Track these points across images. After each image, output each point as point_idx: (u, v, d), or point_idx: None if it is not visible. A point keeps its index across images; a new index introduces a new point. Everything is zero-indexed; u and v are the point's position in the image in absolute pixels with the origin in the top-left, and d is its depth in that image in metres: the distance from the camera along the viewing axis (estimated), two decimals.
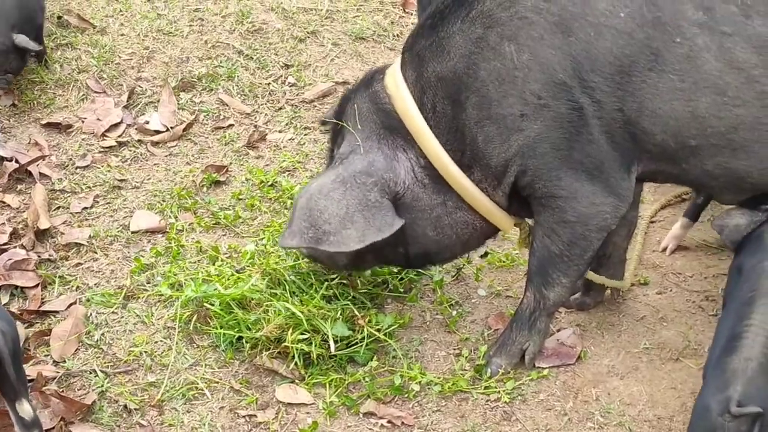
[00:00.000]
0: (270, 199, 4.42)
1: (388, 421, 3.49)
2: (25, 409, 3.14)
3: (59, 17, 5.29)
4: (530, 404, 3.58)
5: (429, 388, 3.61)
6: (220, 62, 5.21)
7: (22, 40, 4.62)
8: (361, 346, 3.65)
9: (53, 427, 3.37)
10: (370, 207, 3.36)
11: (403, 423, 3.46)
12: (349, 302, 3.69)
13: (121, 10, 5.52)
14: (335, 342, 3.59)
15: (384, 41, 5.53)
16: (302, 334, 3.58)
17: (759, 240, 3.32)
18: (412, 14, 5.69)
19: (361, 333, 3.66)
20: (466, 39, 3.27)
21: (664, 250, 4.16)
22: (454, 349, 3.79)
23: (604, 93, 3.15)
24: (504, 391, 3.58)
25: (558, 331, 3.82)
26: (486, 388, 3.61)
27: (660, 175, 3.44)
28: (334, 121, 3.64)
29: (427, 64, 3.37)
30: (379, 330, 3.67)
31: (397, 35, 5.55)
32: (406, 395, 3.59)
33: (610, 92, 3.15)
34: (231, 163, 4.62)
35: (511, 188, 3.38)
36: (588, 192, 3.30)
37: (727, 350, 3.00)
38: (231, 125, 4.84)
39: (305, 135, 4.81)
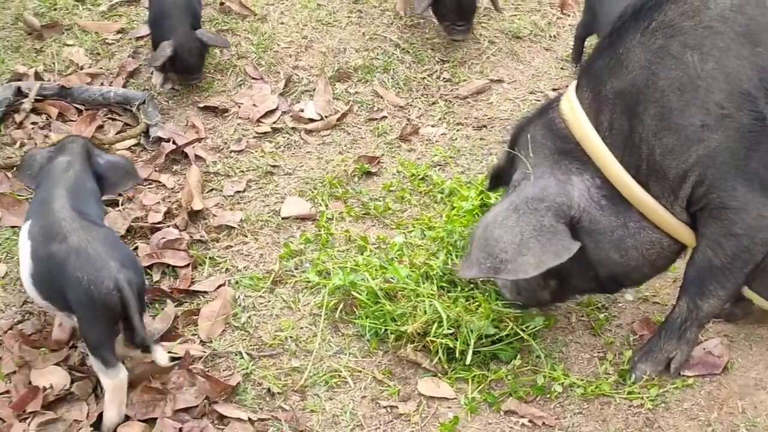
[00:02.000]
0: (420, 192, 4.41)
1: (529, 421, 3.46)
2: (158, 356, 3.27)
3: (221, 3, 5.38)
4: (673, 412, 3.51)
5: (571, 390, 3.58)
6: (377, 54, 5.23)
7: (208, 37, 4.85)
8: (506, 344, 3.64)
9: (197, 405, 3.41)
10: (545, 232, 3.31)
11: (544, 423, 3.43)
12: (497, 301, 3.65)
13: None
14: (479, 339, 3.58)
15: (540, 41, 5.51)
16: (447, 329, 3.57)
17: None
18: (569, 16, 5.69)
19: (505, 331, 3.63)
20: (646, 50, 3.23)
21: None
22: (599, 353, 3.74)
23: None
24: (647, 397, 3.53)
25: (705, 340, 3.73)
26: (629, 393, 3.56)
27: None
28: (508, 150, 3.62)
29: (605, 82, 3.33)
30: (524, 329, 3.63)
31: (554, 36, 5.54)
32: (548, 396, 3.56)
33: None
34: (383, 155, 4.63)
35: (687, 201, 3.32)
36: (758, 203, 3.23)
37: None
38: (384, 117, 4.85)
39: (458, 130, 4.79)
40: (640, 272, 3.51)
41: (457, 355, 3.60)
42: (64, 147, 3.80)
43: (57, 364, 3.57)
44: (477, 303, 3.67)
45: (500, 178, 3.78)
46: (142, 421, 3.39)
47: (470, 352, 3.58)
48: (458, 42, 5.20)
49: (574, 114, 3.38)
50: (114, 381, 3.32)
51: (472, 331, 3.58)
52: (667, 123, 3.22)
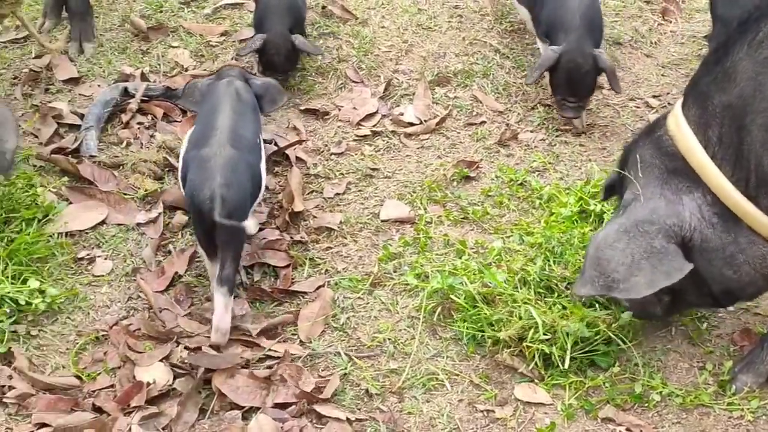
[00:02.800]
0: (519, 197, 4.40)
1: (627, 429, 3.43)
2: (249, 224, 3.65)
3: (323, 7, 5.42)
4: None
5: (670, 399, 3.55)
6: (477, 59, 5.23)
7: (300, 42, 4.85)
8: (603, 352, 3.63)
9: (296, 403, 3.45)
10: (656, 254, 3.29)
11: None
12: (594, 308, 3.66)
13: (383, 3, 5.62)
14: (575, 344, 3.58)
15: (641, 48, 5.47)
16: (544, 335, 3.56)
17: None
18: (671, 22, 5.63)
19: (602, 336, 3.62)
20: (754, 61, 3.20)
21: None
22: (698, 362, 3.70)
23: None
24: (748, 409, 3.48)
25: None
26: (729, 404, 3.52)
27: None
28: (618, 171, 3.62)
29: (712, 97, 3.30)
30: (620, 336, 3.62)
31: (655, 43, 5.50)
32: (646, 404, 3.53)
33: None
34: (482, 160, 4.62)
35: None
36: None
37: None
38: (483, 122, 4.84)
39: (557, 136, 4.77)
40: (755, 286, 3.46)
41: (553, 361, 3.59)
42: (223, 73, 4.39)
43: (160, 360, 3.61)
44: (573, 308, 3.65)
45: (613, 190, 3.78)
46: (242, 408, 3.44)
47: (567, 357, 3.57)
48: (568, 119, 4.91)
49: (681, 132, 3.36)
50: (209, 267, 3.81)
51: (568, 335, 3.57)
52: None
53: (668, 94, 5.11)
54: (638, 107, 5.04)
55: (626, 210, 3.44)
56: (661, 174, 3.41)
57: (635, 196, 3.43)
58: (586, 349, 3.61)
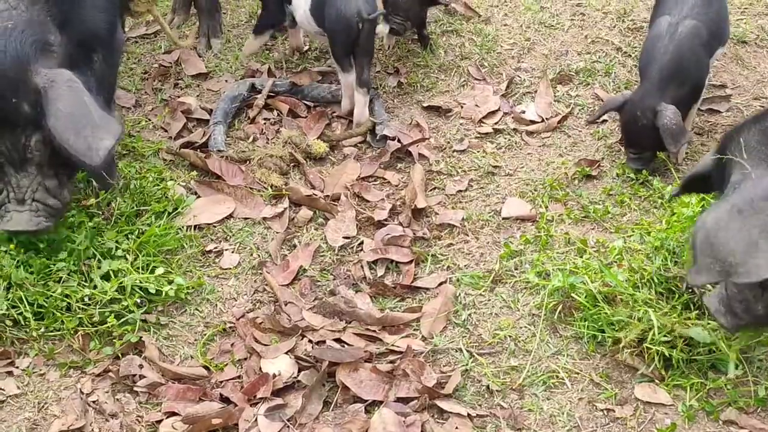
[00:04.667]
0: (640, 197, 4.37)
1: None
2: (362, 80, 4.70)
3: (446, 5, 5.41)
4: None
5: None
6: (598, 58, 5.20)
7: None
8: (724, 354, 3.55)
9: (417, 397, 3.47)
10: None
11: None
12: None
13: (505, 1, 5.63)
14: (696, 346, 3.55)
15: (767, 46, 5.34)
16: (664, 336, 3.54)
17: None
18: None
19: (722, 341, 3.55)
20: None
21: None
22: None
23: None
24: None
25: None
26: None
27: None
28: (719, 156, 3.56)
29: None
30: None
31: None
32: None
33: None
34: (603, 159, 4.60)
35: None
36: None
37: None
38: (605, 121, 4.79)
39: None
40: None
41: (674, 362, 3.56)
42: None
43: (285, 353, 3.66)
44: (695, 311, 3.61)
45: (694, 185, 3.75)
46: (365, 401, 3.48)
47: (687, 360, 3.56)
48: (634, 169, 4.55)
49: None
50: (346, 78, 4.74)
51: (687, 339, 3.54)
52: None
53: None
54: (762, 106, 4.92)
55: (736, 190, 3.38)
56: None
57: (745, 176, 3.38)
58: (707, 351, 3.57)
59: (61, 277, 3.81)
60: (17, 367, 3.66)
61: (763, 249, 3.17)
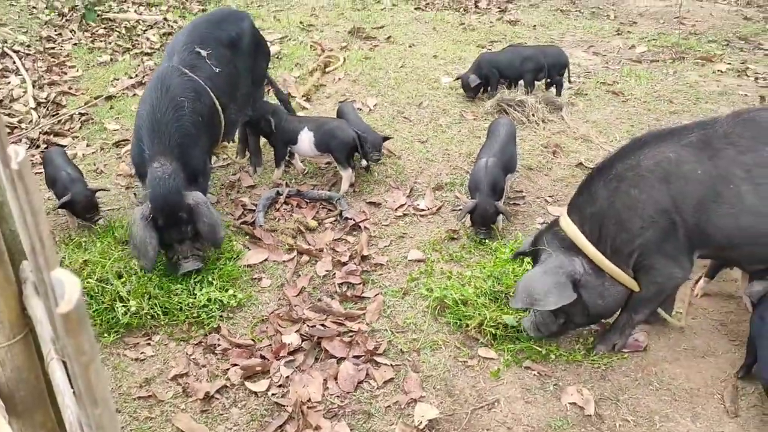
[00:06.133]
0: (480, 249, 4.20)
1: (537, 372, 3.30)
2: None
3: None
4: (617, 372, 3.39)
5: (563, 356, 3.37)
6: (456, 176, 5.05)
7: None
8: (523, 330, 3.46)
9: (363, 355, 3.40)
10: (560, 285, 3.16)
11: None
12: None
13: (408, 147, 5.46)
14: (508, 327, 3.46)
15: (543, 170, 5.15)
16: (492, 322, 3.44)
17: None
18: None
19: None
20: (607, 190, 3.18)
21: (696, 295, 3.92)
22: (584, 342, 3.50)
23: (688, 215, 3.04)
24: (604, 363, 3.35)
25: (636, 332, 3.58)
26: (592, 360, 3.37)
27: (711, 257, 3.30)
28: (533, 248, 3.42)
29: (584, 209, 3.25)
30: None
31: None
32: (547, 359, 3.38)
33: (691, 214, 3.04)
34: (459, 230, 4.45)
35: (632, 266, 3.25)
36: (669, 266, 3.16)
37: None
38: (460, 209, 4.53)
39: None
40: (612, 311, 3.38)
41: (498, 336, 3.47)
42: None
43: (295, 332, 3.62)
44: (508, 309, 3.51)
45: (521, 254, 3.59)
46: (337, 358, 3.37)
47: (504, 335, 3.44)
48: None
49: (569, 226, 3.30)
50: (345, 173, 4.69)
51: (504, 324, 3.43)
52: (621, 227, 3.16)
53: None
54: (547, 202, 4.68)
55: (544, 262, 3.33)
56: (561, 247, 3.32)
57: (548, 254, 3.33)
58: (515, 330, 3.53)
59: (178, 292, 3.78)
60: (152, 341, 3.62)
61: (553, 293, 3.17)
